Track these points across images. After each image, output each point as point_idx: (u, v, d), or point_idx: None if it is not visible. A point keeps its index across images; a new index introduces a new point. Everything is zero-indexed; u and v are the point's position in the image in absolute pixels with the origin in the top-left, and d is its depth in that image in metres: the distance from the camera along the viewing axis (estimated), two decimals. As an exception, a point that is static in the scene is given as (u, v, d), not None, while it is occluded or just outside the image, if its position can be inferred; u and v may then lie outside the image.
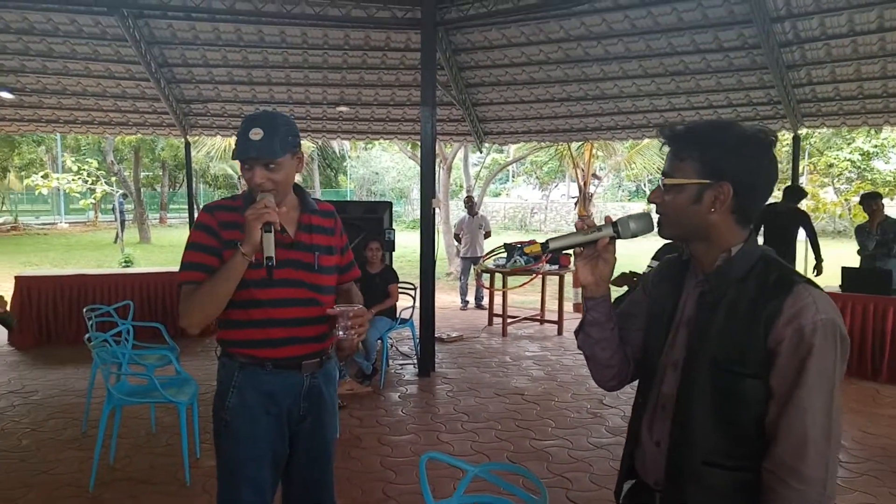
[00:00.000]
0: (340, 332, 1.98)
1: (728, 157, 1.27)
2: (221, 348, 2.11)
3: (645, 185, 30.65)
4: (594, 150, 12.35)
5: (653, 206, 1.38)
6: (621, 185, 31.83)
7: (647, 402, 1.45)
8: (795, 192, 6.96)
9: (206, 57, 7.79)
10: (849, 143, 21.37)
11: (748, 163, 1.27)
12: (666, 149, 1.37)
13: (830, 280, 6.33)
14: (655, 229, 1.40)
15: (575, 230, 1.43)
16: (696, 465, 1.31)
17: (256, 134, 1.94)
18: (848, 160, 21.09)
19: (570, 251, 1.43)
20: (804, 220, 6.91)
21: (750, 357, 1.25)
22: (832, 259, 7.91)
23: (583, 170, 12.16)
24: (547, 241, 1.41)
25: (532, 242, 1.45)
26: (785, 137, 9.65)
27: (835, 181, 22.53)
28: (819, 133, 19.59)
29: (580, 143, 11.15)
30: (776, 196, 7.03)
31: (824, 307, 1.23)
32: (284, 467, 2.16)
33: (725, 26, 6.50)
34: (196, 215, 11.79)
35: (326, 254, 2.16)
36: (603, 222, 1.40)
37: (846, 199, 17.70)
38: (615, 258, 1.42)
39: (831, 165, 21.58)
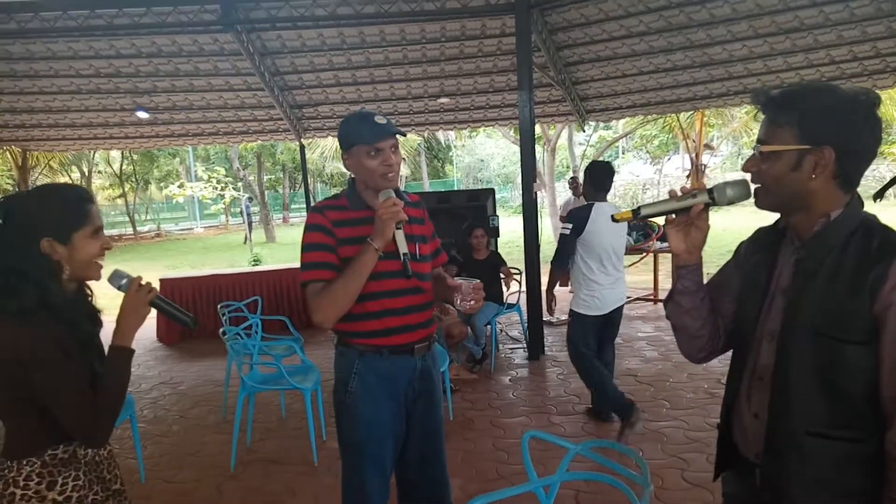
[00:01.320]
0: (458, 303, 2.13)
1: (828, 121, 1.22)
2: (339, 338, 2.27)
3: (768, 151, 28.70)
4: (706, 119, 11.75)
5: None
6: (741, 154, 29.96)
7: (742, 374, 1.43)
8: None
9: (314, 63, 8.19)
10: None
11: (850, 126, 1.22)
12: (762, 115, 1.32)
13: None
14: (752, 198, 1.35)
15: (668, 197, 1.41)
16: (798, 435, 1.28)
17: (381, 119, 2.11)
18: None
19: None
20: None
21: (854, 324, 1.21)
22: None
23: (694, 141, 11.61)
24: (639, 208, 1.39)
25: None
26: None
27: None
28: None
29: (689, 113, 10.65)
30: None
31: None
32: (402, 446, 2.31)
33: (844, -27, 5.99)
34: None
35: (423, 242, 2.28)
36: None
37: None
38: (709, 226, 1.39)
39: None
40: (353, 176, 2.23)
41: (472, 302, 2.12)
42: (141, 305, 1.64)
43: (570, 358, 4.35)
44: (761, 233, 1.46)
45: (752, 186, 1.33)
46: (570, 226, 4.10)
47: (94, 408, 1.56)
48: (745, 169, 1.33)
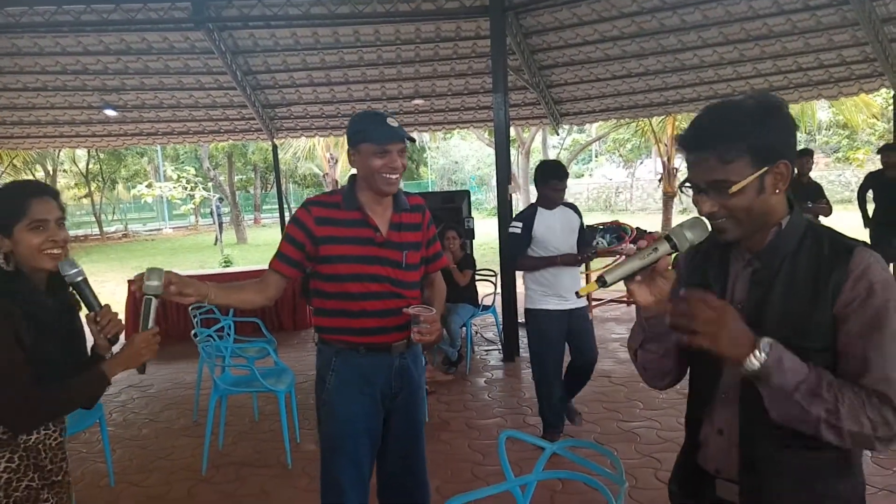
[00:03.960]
0: (414, 334, 2.14)
1: (770, 136, 1.22)
2: (318, 335, 2.30)
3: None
4: (678, 123, 11.93)
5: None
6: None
7: (703, 392, 1.41)
8: None
9: (287, 62, 8.12)
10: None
11: (788, 132, 1.24)
12: (689, 156, 1.27)
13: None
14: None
15: (629, 255, 1.32)
16: (773, 450, 1.28)
17: (394, 121, 2.16)
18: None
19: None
20: None
21: (817, 331, 1.21)
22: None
23: (666, 145, 11.78)
24: (602, 276, 1.30)
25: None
26: (882, 95, 8.98)
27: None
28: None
29: (662, 117, 10.81)
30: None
31: (885, 267, 1.22)
32: (380, 444, 2.31)
33: (811, -17, 6.14)
34: (288, 213, 12.24)
35: (414, 250, 2.30)
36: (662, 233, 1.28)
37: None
38: (674, 273, 1.34)
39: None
40: (353, 174, 2.26)
41: (427, 336, 2.13)
42: (140, 357, 1.76)
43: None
44: (703, 248, 1.40)
45: (709, 223, 1.30)
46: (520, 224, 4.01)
47: (20, 395, 1.61)
48: (705, 212, 1.28)
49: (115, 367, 1.74)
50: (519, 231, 3.99)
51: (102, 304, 1.79)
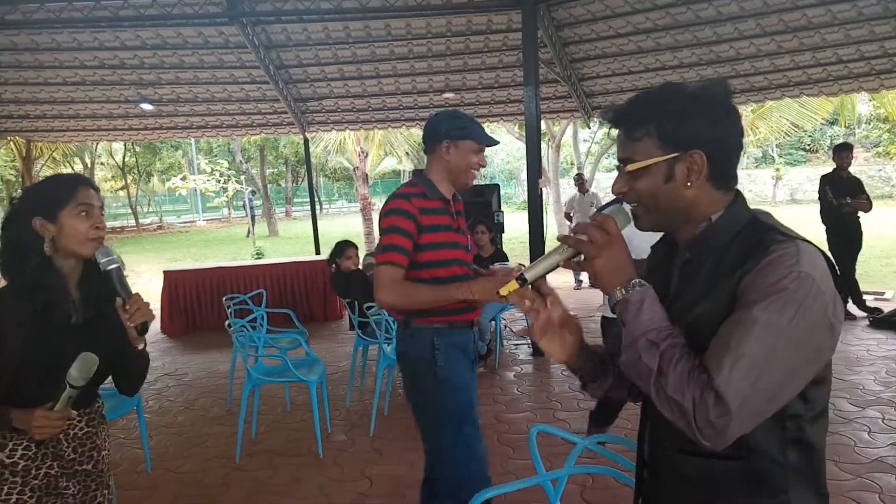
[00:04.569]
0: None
1: (688, 122, 1.13)
2: (408, 318, 2.42)
3: (772, 149, 28.66)
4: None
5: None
6: (746, 152, 29.96)
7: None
8: None
9: (319, 56, 8.19)
10: None
11: (714, 123, 1.14)
12: (615, 133, 1.24)
13: None
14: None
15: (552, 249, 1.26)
16: (671, 453, 1.20)
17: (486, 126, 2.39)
18: None
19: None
20: None
21: (721, 321, 1.07)
22: None
23: (700, 139, 11.61)
24: (521, 274, 1.24)
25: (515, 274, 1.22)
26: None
27: None
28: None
29: (696, 110, 10.67)
30: None
31: (808, 262, 1.04)
32: None
33: (853, -28, 5.98)
34: (319, 206, 12.25)
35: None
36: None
37: None
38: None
39: None
40: (416, 169, 2.44)
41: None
42: (38, 432, 1.60)
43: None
44: (654, 250, 1.36)
45: (628, 208, 1.25)
46: None
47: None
48: (614, 191, 1.23)
49: (18, 420, 1.63)
50: None
51: (133, 294, 1.74)
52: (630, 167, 1.18)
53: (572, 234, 1.21)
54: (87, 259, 1.76)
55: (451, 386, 2.40)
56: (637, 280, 1.16)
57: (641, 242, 3.52)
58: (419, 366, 2.42)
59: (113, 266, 1.72)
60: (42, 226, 1.70)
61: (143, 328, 1.73)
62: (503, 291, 1.28)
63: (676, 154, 1.14)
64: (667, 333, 1.11)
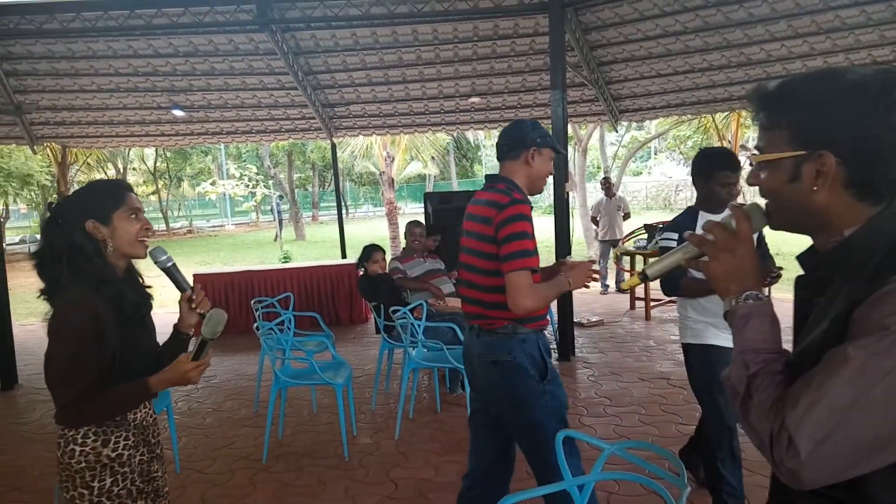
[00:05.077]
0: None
1: (824, 117, 0.98)
2: (517, 325, 2.41)
3: (804, 153, 28.10)
4: (742, 120, 11.56)
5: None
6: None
7: None
8: None
9: (346, 62, 8.25)
10: None
11: (853, 121, 0.96)
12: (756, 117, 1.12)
13: None
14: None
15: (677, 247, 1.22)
16: (790, 492, 1.04)
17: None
18: None
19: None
20: None
21: (824, 351, 0.94)
22: None
23: (730, 142, 11.42)
24: (644, 270, 1.24)
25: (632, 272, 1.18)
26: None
27: None
28: None
29: (725, 113, 10.49)
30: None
31: None
32: None
33: (889, -29, 5.85)
34: (346, 211, 12.31)
35: None
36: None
37: None
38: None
39: None
40: (492, 175, 2.55)
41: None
42: (186, 381, 1.83)
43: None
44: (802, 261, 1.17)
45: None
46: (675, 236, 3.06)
47: (74, 396, 1.68)
48: (748, 182, 1.14)
49: (160, 384, 1.80)
50: (675, 245, 2.92)
51: (192, 285, 1.94)
52: (757, 158, 1.08)
53: (702, 231, 1.14)
54: (129, 261, 1.87)
55: (557, 388, 2.45)
56: (753, 293, 1.07)
57: None
58: (522, 369, 2.39)
59: (171, 263, 1.88)
60: (95, 228, 1.76)
61: (205, 315, 1.89)
62: (625, 286, 1.33)
63: (804, 153, 1.01)
64: (765, 357, 1.02)
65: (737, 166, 2.97)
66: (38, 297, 1.79)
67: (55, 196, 2.04)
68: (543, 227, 12.32)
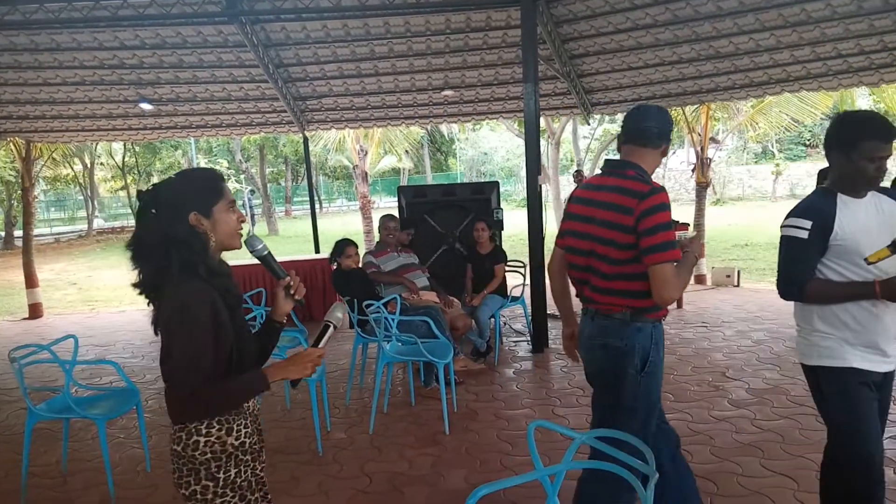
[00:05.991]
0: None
1: None
2: (635, 314, 2.41)
3: (772, 145, 28.62)
4: (711, 113, 11.68)
5: None
6: (746, 148, 29.93)
7: None
8: None
9: (318, 54, 8.17)
10: None
11: None
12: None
13: None
14: None
15: None
16: None
17: None
18: None
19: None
20: None
21: None
22: None
23: (699, 134, 11.56)
24: (894, 241, 1.17)
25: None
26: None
27: None
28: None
29: (695, 106, 10.62)
30: None
31: None
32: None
33: (852, -34, 5.96)
34: (318, 205, 12.22)
35: None
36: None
37: None
38: None
39: None
40: (637, 160, 2.43)
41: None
42: (303, 371, 1.81)
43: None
44: None
45: None
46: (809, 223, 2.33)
47: (197, 385, 1.65)
48: None
49: (277, 373, 1.78)
50: (806, 235, 2.31)
51: (288, 272, 1.94)
52: None
53: None
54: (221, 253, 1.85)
55: (656, 377, 2.48)
56: None
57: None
58: (630, 360, 2.42)
59: (267, 251, 1.88)
60: (198, 220, 1.74)
61: (300, 301, 1.96)
62: (872, 258, 1.26)
63: None
64: None
65: (890, 134, 2.28)
66: (137, 291, 1.76)
67: (152, 187, 1.94)
68: (517, 221, 12.37)
